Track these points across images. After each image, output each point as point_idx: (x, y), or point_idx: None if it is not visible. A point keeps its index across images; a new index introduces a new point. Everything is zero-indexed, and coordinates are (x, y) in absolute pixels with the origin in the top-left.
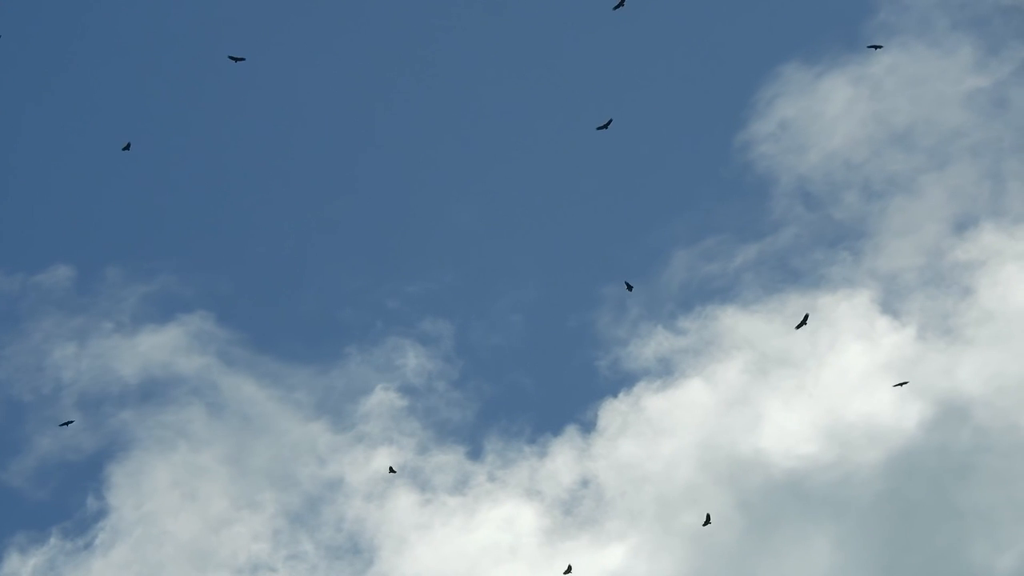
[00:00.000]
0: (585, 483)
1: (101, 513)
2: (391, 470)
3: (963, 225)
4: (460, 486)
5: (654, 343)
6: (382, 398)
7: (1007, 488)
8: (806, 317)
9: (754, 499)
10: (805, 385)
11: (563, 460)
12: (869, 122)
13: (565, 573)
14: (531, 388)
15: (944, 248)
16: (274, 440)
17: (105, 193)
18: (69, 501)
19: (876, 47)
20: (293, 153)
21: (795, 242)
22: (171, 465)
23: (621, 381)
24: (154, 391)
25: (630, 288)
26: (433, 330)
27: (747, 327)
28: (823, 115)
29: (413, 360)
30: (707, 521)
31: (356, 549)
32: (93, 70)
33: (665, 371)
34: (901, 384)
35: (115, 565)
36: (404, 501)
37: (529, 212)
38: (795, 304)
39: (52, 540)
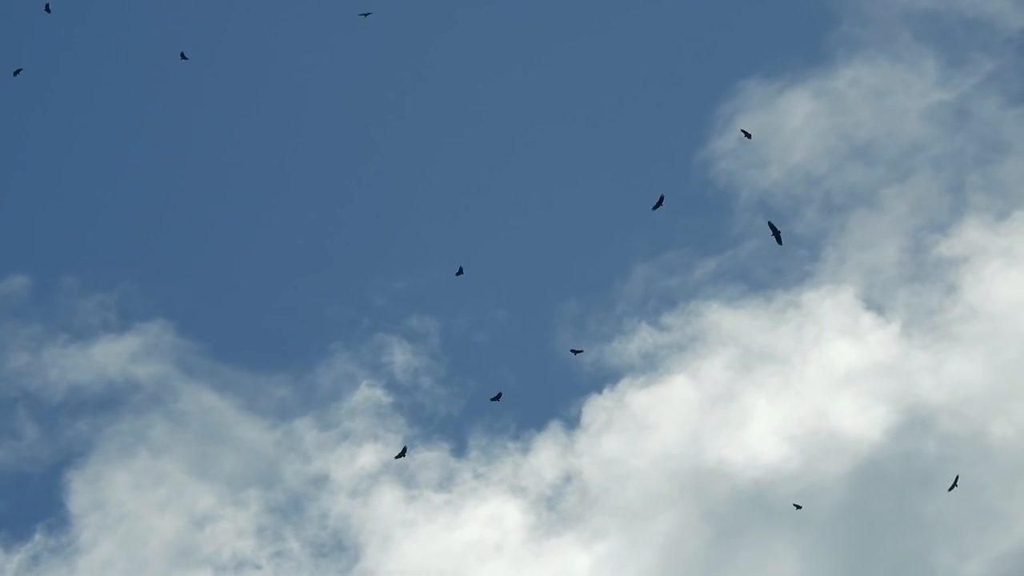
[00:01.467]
0: (569, 479)
1: (62, 520)
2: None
3: (926, 235)
4: (445, 483)
5: (638, 339)
6: (367, 395)
7: (972, 496)
8: (661, 198)
9: (722, 509)
10: (790, 382)
11: (547, 456)
12: (830, 136)
13: None
14: (515, 385)
15: (928, 244)
16: (234, 447)
17: (61, 202)
18: (28, 509)
19: (746, 134)
20: (276, 154)
21: (756, 255)
22: (131, 472)
23: (605, 377)
24: (112, 400)
25: (747, 135)
26: (420, 327)
27: (731, 323)
28: (784, 129)
29: (399, 357)
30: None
31: (341, 546)
32: (45, 79)
33: (649, 367)
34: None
35: (99, 562)
36: (389, 498)
37: (511, 212)
38: (779, 300)
39: (27, 543)
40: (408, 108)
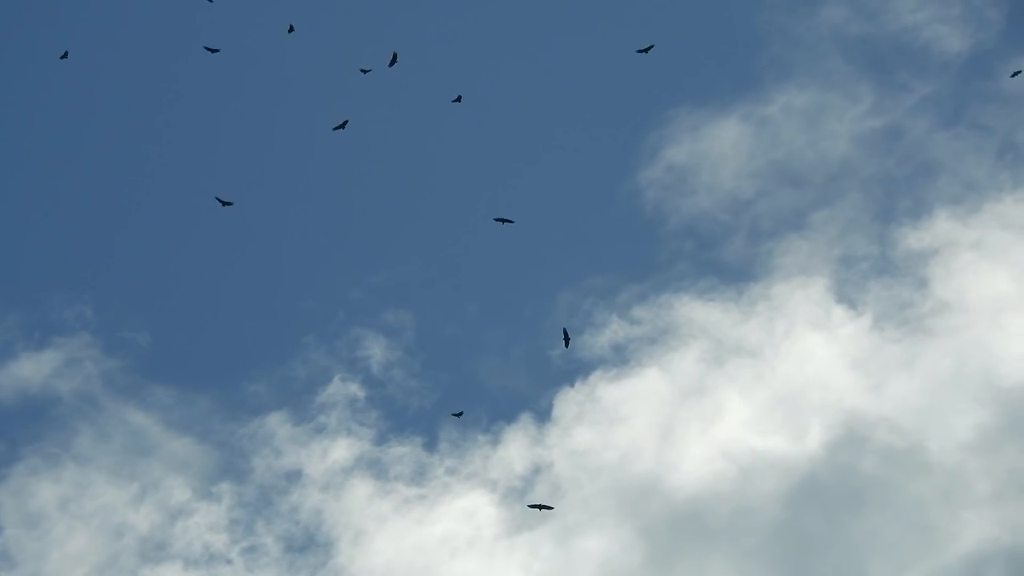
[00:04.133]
0: (538, 471)
1: None
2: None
3: (852, 259)
4: (417, 477)
5: (609, 332)
6: (340, 389)
7: (908, 512)
8: (649, 47)
9: (658, 525)
10: (762, 375)
11: (517, 449)
12: (759, 160)
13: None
14: (487, 378)
15: (897, 237)
16: (159, 458)
17: None
18: None
19: (646, 50)
20: (249, 150)
21: (682, 280)
22: (58, 484)
23: (576, 371)
24: (33, 414)
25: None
26: (395, 321)
27: (702, 316)
28: (712, 155)
29: (375, 351)
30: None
31: (313, 541)
32: None
33: (620, 360)
34: None
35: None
36: (361, 492)
37: (484, 207)
38: (751, 293)
39: None
40: (381, 103)
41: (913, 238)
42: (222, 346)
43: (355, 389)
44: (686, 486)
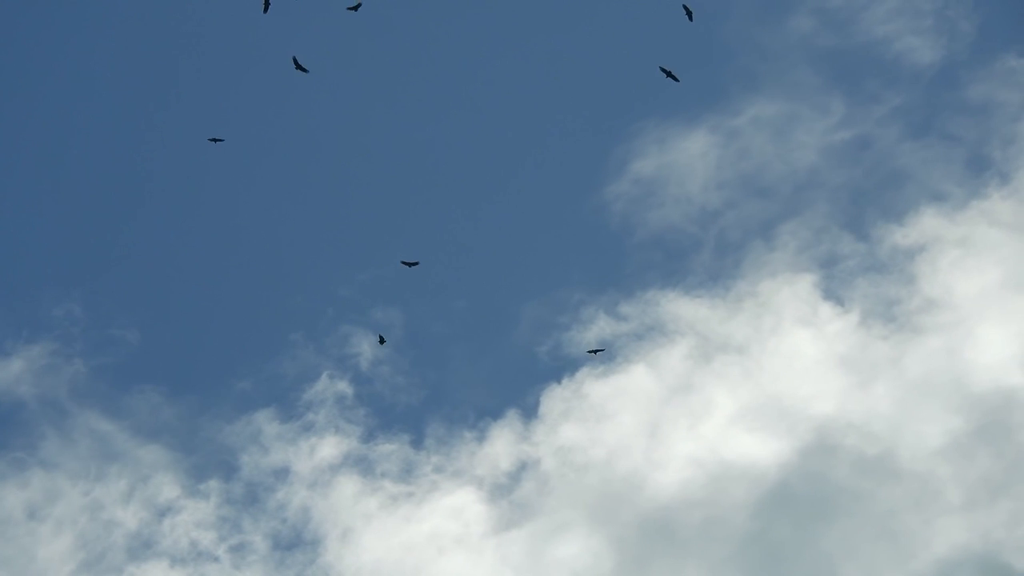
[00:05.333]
0: (524, 467)
1: None
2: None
3: (824, 265)
4: (405, 474)
5: (596, 329)
6: (328, 386)
7: (878, 518)
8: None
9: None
10: (750, 372)
11: (504, 446)
12: (727, 172)
13: None
14: (474, 375)
15: (883, 235)
16: (147, 455)
17: None
18: None
19: (596, 351)
20: (242, 148)
21: (649, 290)
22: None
23: (563, 367)
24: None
25: (672, 77)
26: (384, 318)
27: (690, 312)
28: (679, 167)
29: (362, 348)
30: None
31: (301, 539)
32: None
33: (607, 356)
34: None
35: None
36: (349, 490)
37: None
38: (738, 289)
39: None
40: (373, 103)
41: (899, 235)
42: (211, 343)
43: (343, 386)
44: (671, 485)
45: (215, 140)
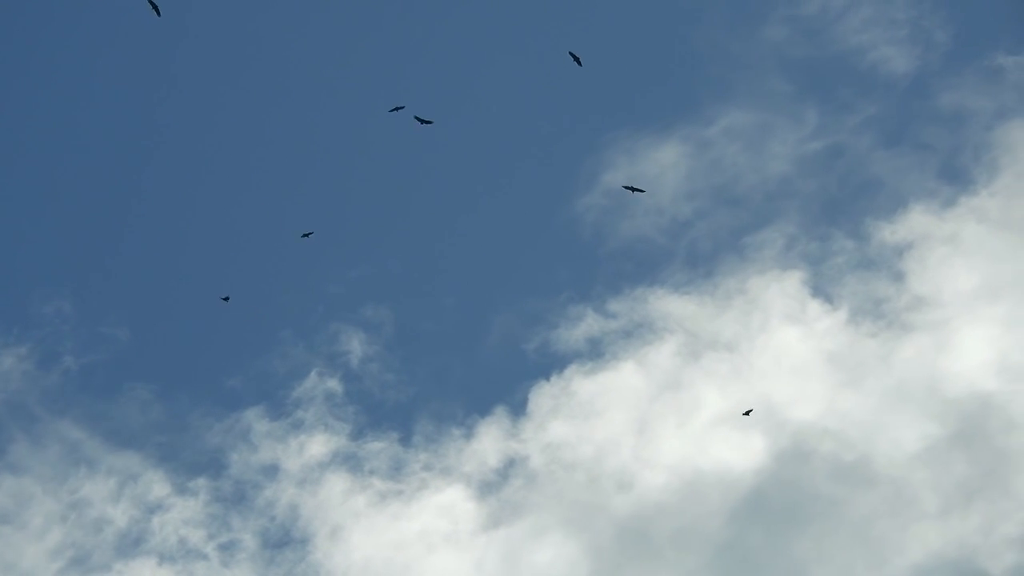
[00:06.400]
0: (512, 464)
1: None
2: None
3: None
4: (394, 472)
5: (584, 325)
6: (317, 383)
7: (851, 525)
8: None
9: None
10: (739, 369)
11: (492, 443)
12: (699, 182)
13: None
14: (463, 373)
15: (871, 231)
16: (135, 452)
17: None
18: None
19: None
20: (231, 144)
21: (622, 301)
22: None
23: (552, 364)
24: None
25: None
26: (374, 316)
27: (678, 309)
28: (651, 177)
29: (352, 345)
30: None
31: (290, 537)
32: None
33: (596, 354)
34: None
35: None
36: (338, 487)
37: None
38: (726, 286)
39: None
40: (364, 103)
41: (887, 231)
42: (201, 341)
43: (332, 384)
44: (658, 484)
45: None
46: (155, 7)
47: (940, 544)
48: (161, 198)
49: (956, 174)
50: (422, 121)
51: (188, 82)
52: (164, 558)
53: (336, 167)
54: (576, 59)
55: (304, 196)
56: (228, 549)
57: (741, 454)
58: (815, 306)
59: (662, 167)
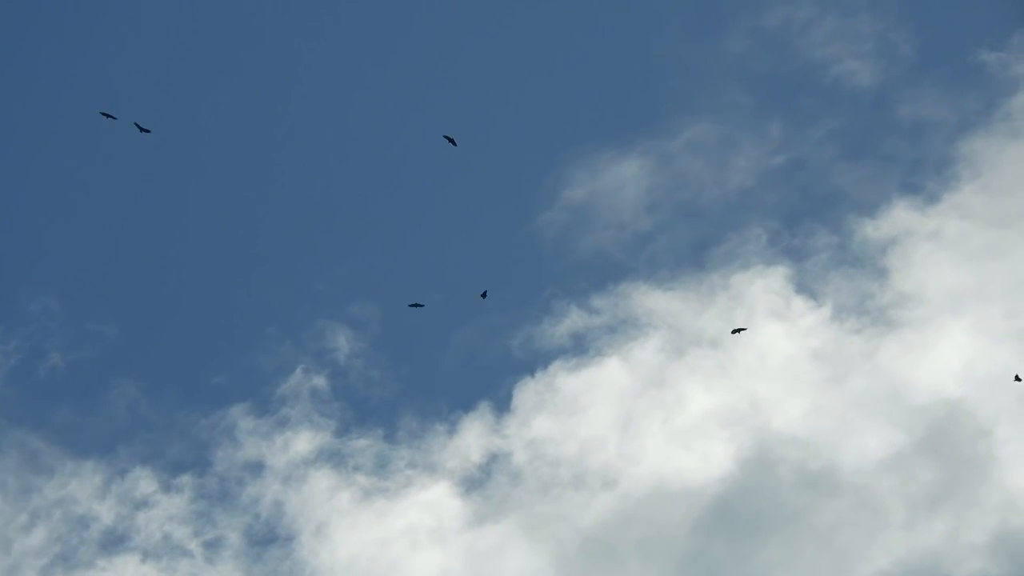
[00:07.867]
0: (495, 459)
1: None
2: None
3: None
4: (378, 469)
5: (568, 321)
6: (302, 380)
7: (821, 533)
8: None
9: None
10: (723, 366)
11: (475, 439)
12: (659, 196)
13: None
14: (447, 369)
15: (854, 227)
16: (122, 449)
17: None
18: None
19: (739, 330)
20: (217, 142)
21: (606, 296)
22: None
23: (536, 360)
24: None
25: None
26: (360, 313)
27: (662, 305)
28: (611, 192)
29: (339, 342)
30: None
31: (275, 534)
32: None
33: (580, 349)
34: None
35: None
36: (323, 484)
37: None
38: (709, 282)
39: None
40: (356, 103)
41: (870, 227)
42: (187, 337)
43: (318, 381)
44: (645, 480)
45: (107, 116)
46: (141, 128)
47: (905, 551)
48: (148, 196)
49: (915, 189)
50: (141, 129)
51: (173, 80)
52: (148, 555)
53: (322, 166)
54: (451, 141)
55: (290, 195)
56: (213, 546)
57: (705, 463)
58: (799, 303)
59: (622, 181)
